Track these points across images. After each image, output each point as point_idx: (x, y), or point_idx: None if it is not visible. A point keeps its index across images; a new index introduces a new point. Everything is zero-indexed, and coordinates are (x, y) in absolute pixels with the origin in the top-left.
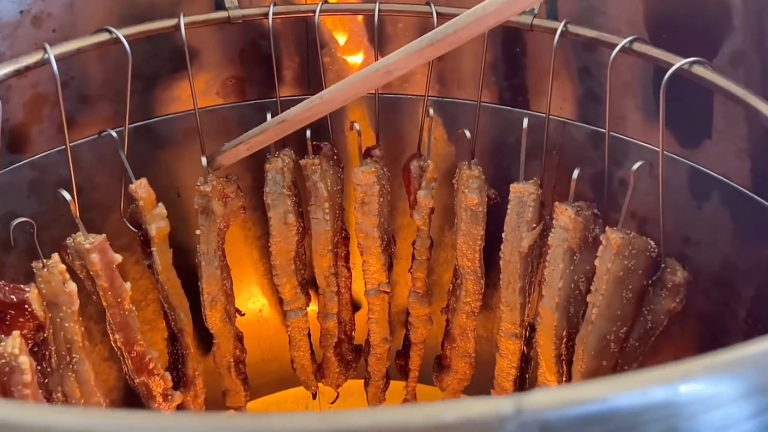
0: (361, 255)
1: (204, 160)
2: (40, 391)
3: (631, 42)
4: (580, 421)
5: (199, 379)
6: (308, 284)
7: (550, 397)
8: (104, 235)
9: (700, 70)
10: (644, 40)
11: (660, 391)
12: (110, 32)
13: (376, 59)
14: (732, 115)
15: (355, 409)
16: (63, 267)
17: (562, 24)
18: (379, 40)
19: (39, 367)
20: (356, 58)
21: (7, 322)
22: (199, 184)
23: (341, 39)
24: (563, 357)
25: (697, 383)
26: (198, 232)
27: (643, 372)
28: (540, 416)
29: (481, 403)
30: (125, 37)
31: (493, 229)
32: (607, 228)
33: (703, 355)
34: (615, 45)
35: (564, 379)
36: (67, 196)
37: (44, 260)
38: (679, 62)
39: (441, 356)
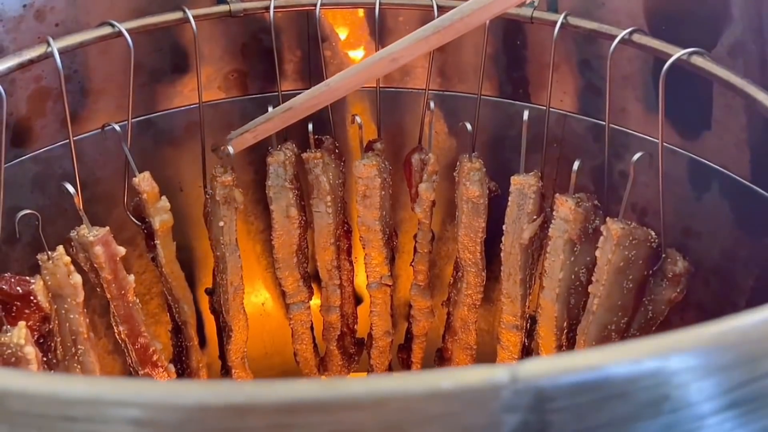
0: (363, 248)
1: (230, 149)
2: None
3: (630, 33)
4: (574, 388)
5: (202, 371)
6: (311, 278)
7: (545, 365)
8: (108, 228)
9: (699, 61)
10: (644, 31)
11: (651, 360)
12: (113, 26)
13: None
14: (731, 106)
15: (354, 378)
16: (68, 259)
17: (562, 16)
18: (380, 33)
19: (45, 359)
20: (357, 52)
21: (13, 314)
22: (218, 174)
23: (342, 33)
24: (564, 348)
25: (688, 353)
26: (221, 224)
27: (635, 341)
28: (534, 384)
29: (477, 371)
30: (128, 30)
31: (493, 221)
32: (607, 219)
33: (693, 326)
34: (614, 36)
35: None
36: (71, 189)
37: (49, 252)
38: (678, 53)
39: (442, 349)
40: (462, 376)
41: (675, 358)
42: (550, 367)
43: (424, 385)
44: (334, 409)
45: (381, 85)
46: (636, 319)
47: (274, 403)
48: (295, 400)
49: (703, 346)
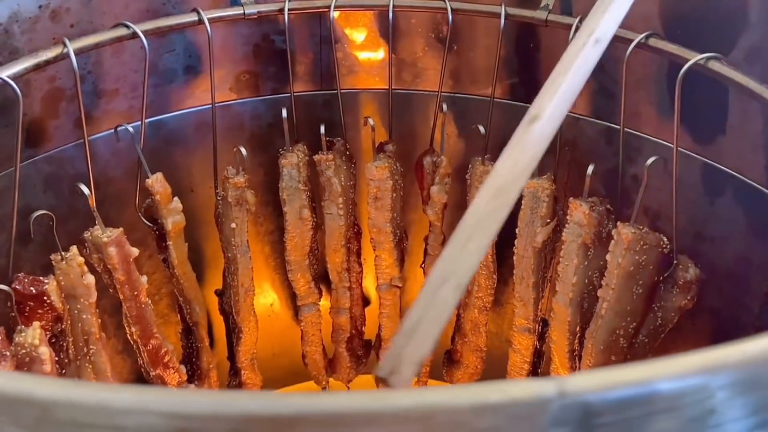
0: (374, 250)
1: (243, 151)
2: None
3: (647, 37)
4: (621, 403)
5: (213, 372)
6: (320, 279)
7: (593, 379)
8: (121, 229)
9: (716, 66)
10: (660, 35)
11: (698, 376)
12: (128, 27)
13: (390, 54)
14: (747, 111)
15: (401, 390)
16: (81, 259)
17: (578, 20)
18: (393, 35)
19: (56, 358)
20: (369, 54)
21: (26, 314)
22: (230, 176)
23: (354, 34)
24: (576, 352)
25: (734, 368)
26: (233, 225)
27: (683, 356)
28: (582, 398)
29: (524, 384)
30: (143, 32)
31: (505, 224)
32: (618, 223)
33: (739, 340)
34: (631, 40)
35: None
36: (85, 189)
37: (63, 253)
38: (695, 58)
39: (451, 351)
40: (510, 389)
41: (722, 373)
42: (598, 381)
43: (472, 398)
44: (382, 421)
45: (392, 87)
46: (645, 324)
47: (321, 415)
48: (343, 411)
49: (749, 361)
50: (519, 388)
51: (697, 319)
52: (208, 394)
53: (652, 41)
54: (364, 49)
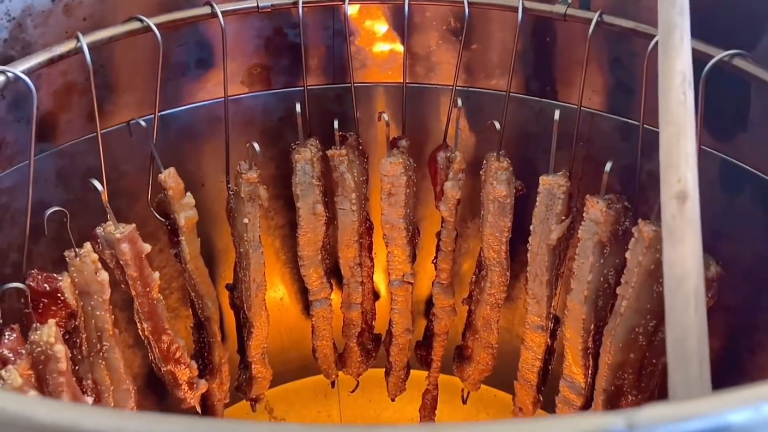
0: (387, 246)
1: (256, 146)
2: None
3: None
4: None
5: (224, 367)
6: (331, 274)
7: (662, 412)
8: (134, 225)
9: (741, 63)
10: None
11: None
12: (141, 21)
13: (404, 48)
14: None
15: (461, 423)
16: (95, 256)
17: (597, 14)
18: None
19: (70, 354)
20: (382, 48)
21: (40, 310)
22: (243, 171)
23: (367, 28)
24: (590, 350)
25: None
26: (245, 220)
27: (753, 387)
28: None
29: (592, 418)
30: (156, 25)
31: (517, 220)
32: (639, 220)
33: None
34: (652, 36)
35: (590, 371)
36: (98, 185)
37: (76, 249)
38: (719, 54)
39: (462, 347)
40: (577, 423)
41: None
42: (668, 414)
43: None
44: None
45: (406, 81)
46: (664, 323)
47: None
48: None
49: None
50: (586, 422)
51: (714, 316)
52: (250, 426)
53: None
54: (377, 42)
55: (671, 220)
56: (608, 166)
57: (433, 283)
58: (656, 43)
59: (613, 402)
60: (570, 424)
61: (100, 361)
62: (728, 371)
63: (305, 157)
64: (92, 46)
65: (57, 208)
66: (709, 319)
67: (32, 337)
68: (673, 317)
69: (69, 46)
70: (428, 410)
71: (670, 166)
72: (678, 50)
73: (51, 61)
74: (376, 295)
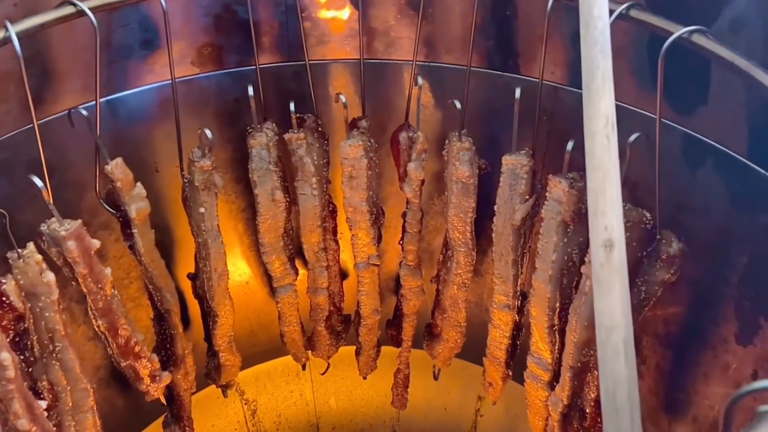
0: (350, 229)
1: (208, 133)
2: (25, 382)
3: (628, 8)
4: None
5: (189, 358)
6: (295, 258)
7: None
8: (80, 221)
9: (701, 40)
10: (641, 5)
11: None
12: (75, 5)
13: (360, 22)
14: (729, 82)
15: None
16: (39, 257)
17: None
18: (363, 1)
19: (22, 357)
20: (338, 22)
21: None
22: (196, 159)
23: (321, 2)
24: (556, 327)
25: None
26: (202, 210)
27: None
28: None
29: None
30: (91, 9)
31: (482, 198)
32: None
33: None
34: (611, 11)
35: (557, 348)
36: (38, 181)
37: (19, 251)
38: (678, 31)
39: (431, 325)
40: None
41: None
42: None
43: None
44: None
45: (364, 58)
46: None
47: None
48: None
49: None
50: None
51: (677, 289)
52: None
53: (634, 12)
54: (333, 16)
55: (599, 270)
56: (570, 145)
57: (400, 264)
58: (615, 19)
59: (579, 378)
60: None
61: (54, 362)
62: (691, 342)
63: (261, 142)
64: (23, 35)
65: None
66: (673, 292)
67: None
68: (605, 368)
69: None
70: (400, 388)
71: (597, 213)
72: (601, 92)
73: None
74: (343, 275)
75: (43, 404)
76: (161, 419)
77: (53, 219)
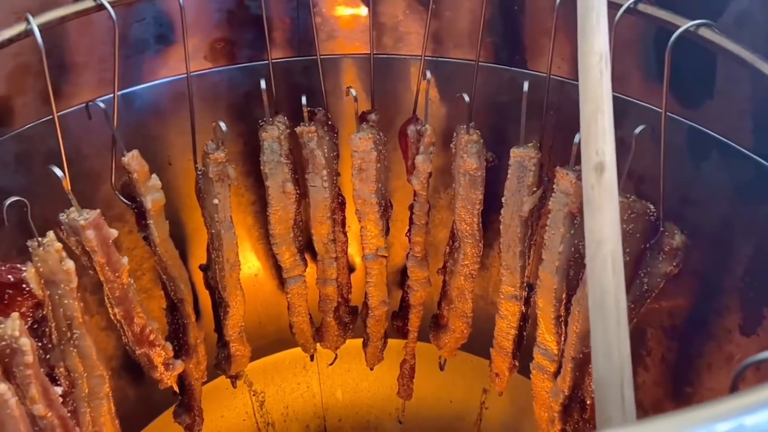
0: (359, 221)
1: (222, 126)
2: (42, 368)
3: (635, 2)
4: None
5: (200, 347)
6: (305, 250)
7: None
8: (98, 211)
9: (707, 33)
10: None
11: (725, 425)
12: None
13: (370, 19)
14: (735, 76)
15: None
16: (59, 245)
17: None
18: None
19: (40, 344)
20: (348, 18)
21: (5, 301)
22: (210, 151)
23: None
24: (562, 318)
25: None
26: (215, 201)
27: (706, 406)
28: None
29: None
30: (110, 2)
31: (490, 190)
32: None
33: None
34: (619, 5)
35: (563, 339)
36: (58, 172)
37: (39, 239)
38: (685, 24)
39: (438, 316)
40: None
41: (749, 420)
42: None
43: None
44: None
45: (374, 52)
46: (631, 291)
47: None
48: None
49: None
50: None
51: (682, 281)
52: None
53: (642, 6)
54: (343, 13)
55: (590, 191)
56: (577, 138)
57: (407, 256)
58: (623, 12)
59: (581, 369)
60: None
61: (71, 348)
62: (696, 333)
63: (272, 135)
64: (44, 28)
65: (16, 198)
66: (677, 284)
67: None
68: (593, 279)
69: (18, 29)
70: (406, 379)
71: (589, 140)
72: (595, 30)
73: (1, 46)
74: (351, 268)
75: (59, 390)
76: (171, 409)
77: (72, 208)
